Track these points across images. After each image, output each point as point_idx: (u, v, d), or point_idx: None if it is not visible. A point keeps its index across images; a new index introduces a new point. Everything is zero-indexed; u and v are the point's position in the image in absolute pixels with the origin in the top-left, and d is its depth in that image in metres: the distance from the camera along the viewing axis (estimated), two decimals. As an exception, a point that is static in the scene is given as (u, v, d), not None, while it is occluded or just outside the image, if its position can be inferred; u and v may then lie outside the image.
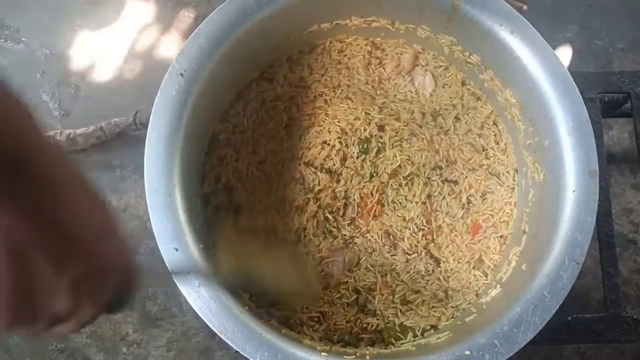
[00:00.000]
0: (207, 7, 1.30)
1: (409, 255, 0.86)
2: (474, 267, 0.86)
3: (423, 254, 0.86)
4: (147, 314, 1.13)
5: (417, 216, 0.87)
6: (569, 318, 0.84)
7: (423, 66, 0.93)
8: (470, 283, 0.85)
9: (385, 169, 0.88)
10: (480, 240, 0.87)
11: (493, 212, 0.88)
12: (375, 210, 0.87)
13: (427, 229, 0.87)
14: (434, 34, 0.88)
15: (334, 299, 0.84)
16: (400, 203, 0.88)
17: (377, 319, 0.83)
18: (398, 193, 0.88)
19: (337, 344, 0.80)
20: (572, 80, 0.78)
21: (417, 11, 0.85)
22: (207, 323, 0.67)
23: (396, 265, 0.86)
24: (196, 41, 0.77)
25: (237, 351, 0.67)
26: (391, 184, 0.88)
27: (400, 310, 0.83)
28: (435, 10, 0.83)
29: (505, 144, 0.90)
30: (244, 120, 0.90)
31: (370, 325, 0.82)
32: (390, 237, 0.87)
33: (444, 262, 0.86)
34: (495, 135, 0.91)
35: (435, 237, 0.87)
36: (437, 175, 0.89)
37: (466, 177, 0.89)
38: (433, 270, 0.86)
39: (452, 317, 0.82)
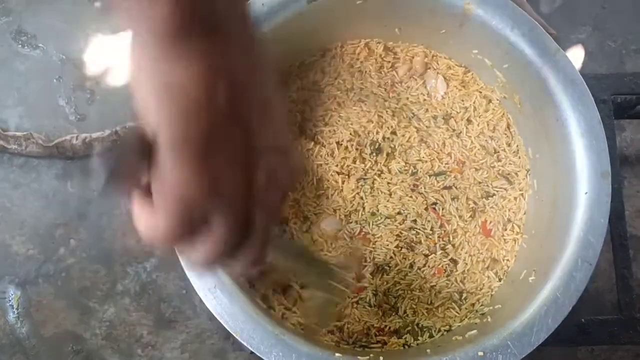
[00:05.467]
0: (220, 12, 1.31)
1: (428, 256, 0.87)
2: (487, 268, 0.86)
3: (440, 255, 0.87)
4: (162, 316, 1.14)
5: (428, 221, 0.88)
6: (583, 320, 0.83)
7: (435, 69, 0.94)
8: (484, 284, 0.85)
9: (391, 179, 0.90)
10: (493, 242, 0.87)
11: (504, 213, 0.89)
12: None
13: (442, 231, 0.88)
14: (445, 37, 0.89)
15: (353, 302, 0.84)
16: (408, 210, 0.89)
17: (399, 319, 0.83)
18: (402, 200, 0.89)
19: (351, 345, 0.81)
20: (584, 83, 0.78)
21: (429, 15, 0.86)
22: (223, 324, 0.68)
23: (415, 266, 0.86)
24: (211, 46, 0.78)
25: (251, 352, 0.68)
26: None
27: (422, 312, 0.84)
28: (447, 14, 0.84)
29: (517, 146, 0.91)
30: (258, 123, 0.91)
31: (388, 327, 0.83)
32: (405, 240, 0.87)
33: (460, 263, 0.86)
34: (507, 137, 0.91)
35: (451, 239, 0.88)
36: (438, 183, 0.90)
37: (471, 182, 0.90)
38: (452, 271, 0.86)
39: (466, 318, 0.83)
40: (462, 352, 0.69)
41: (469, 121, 0.92)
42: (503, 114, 0.92)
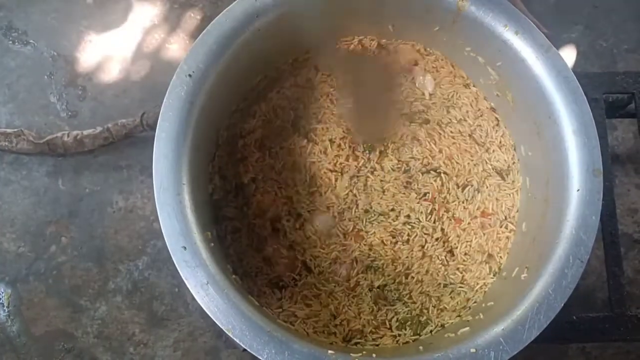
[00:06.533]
0: (213, 8, 1.31)
1: (424, 247, 0.87)
2: (481, 263, 0.86)
3: (435, 249, 0.87)
4: (154, 314, 1.14)
5: (421, 213, 0.89)
6: (574, 317, 0.84)
7: (425, 67, 0.94)
8: (478, 280, 0.86)
9: (384, 176, 0.90)
10: (485, 238, 0.88)
11: (497, 211, 0.89)
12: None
13: (437, 227, 0.88)
14: (438, 34, 0.89)
15: (350, 298, 0.85)
16: (402, 207, 0.89)
17: (393, 315, 0.84)
18: (395, 197, 0.90)
19: (345, 342, 0.81)
20: (576, 80, 0.79)
21: (423, 12, 0.86)
22: (215, 321, 0.68)
23: (409, 264, 0.87)
24: (204, 42, 0.78)
25: (244, 349, 0.67)
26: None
27: (416, 308, 0.84)
28: (440, 11, 0.84)
29: (509, 144, 0.91)
30: (251, 120, 0.91)
31: (381, 323, 0.83)
32: (400, 234, 0.88)
33: (457, 253, 0.87)
34: (499, 134, 0.91)
35: (445, 235, 0.88)
36: (431, 180, 0.90)
37: (464, 178, 0.90)
38: (448, 263, 0.87)
39: (459, 316, 0.83)
40: (455, 349, 0.69)
41: (460, 118, 0.93)
42: (495, 111, 0.92)
